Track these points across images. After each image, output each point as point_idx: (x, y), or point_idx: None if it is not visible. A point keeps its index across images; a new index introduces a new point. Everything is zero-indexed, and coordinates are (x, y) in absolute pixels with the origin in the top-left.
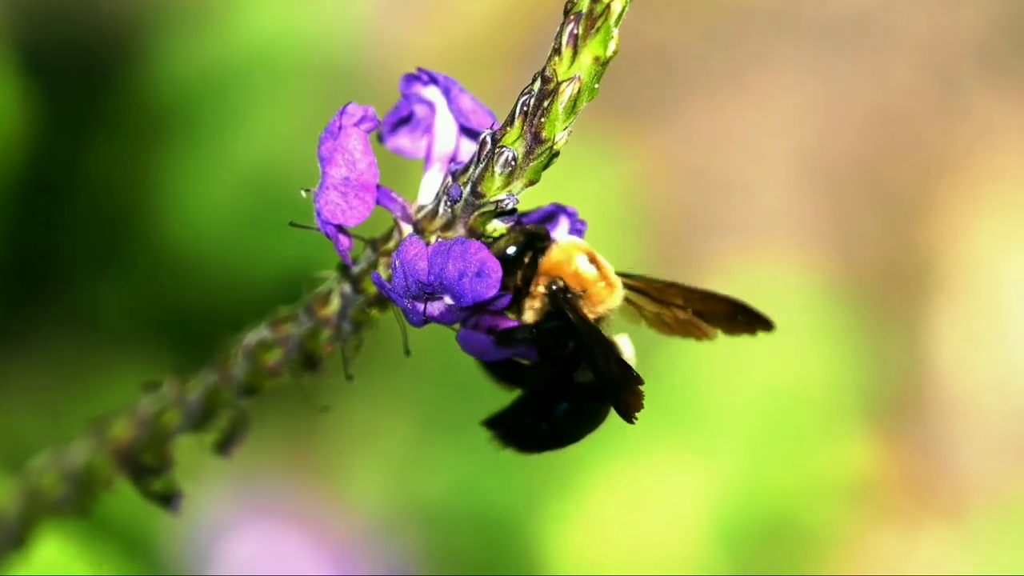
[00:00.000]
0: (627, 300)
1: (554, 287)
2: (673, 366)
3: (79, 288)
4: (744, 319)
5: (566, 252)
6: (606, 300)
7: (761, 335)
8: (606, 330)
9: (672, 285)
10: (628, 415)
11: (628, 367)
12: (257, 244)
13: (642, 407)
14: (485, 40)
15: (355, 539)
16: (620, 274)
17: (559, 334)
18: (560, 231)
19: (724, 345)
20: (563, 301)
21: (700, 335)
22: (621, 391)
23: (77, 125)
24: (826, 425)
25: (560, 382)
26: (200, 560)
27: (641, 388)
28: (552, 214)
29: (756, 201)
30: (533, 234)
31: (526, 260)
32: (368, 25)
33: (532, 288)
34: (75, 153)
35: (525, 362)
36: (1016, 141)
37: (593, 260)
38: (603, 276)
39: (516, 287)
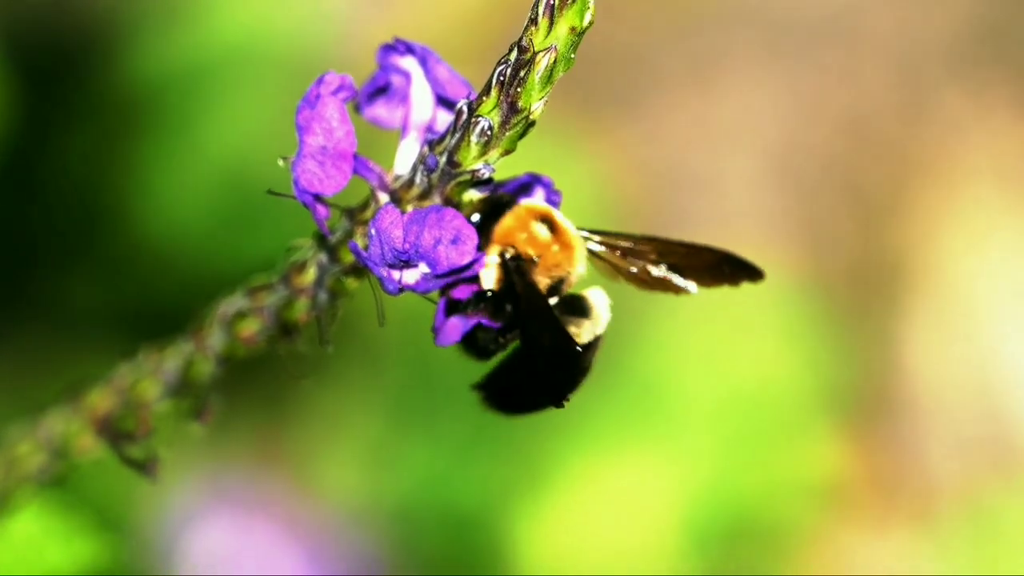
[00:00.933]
0: (600, 257)
1: (505, 255)
2: (643, 364)
3: (51, 281)
4: (730, 269)
5: (519, 217)
6: (562, 263)
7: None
8: (567, 291)
9: (652, 239)
10: (555, 395)
11: (563, 339)
12: (230, 237)
13: (572, 389)
14: (460, 34)
15: (325, 531)
16: (595, 231)
17: (513, 300)
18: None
19: (694, 343)
20: (513, 269)
21: (676, 290)
22: (546, 364)
23: (51, 118)
24: (795, 424)
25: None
26: (170, 548)
27: (570, 363)
28: (527, 184)
29: (725, 199)
30: (496, 201)
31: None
32: (341, 20)
33: (485, 257)
34: (49, 146)
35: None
36: (985, 140)
37: (551, 221)
38: (559, 239)
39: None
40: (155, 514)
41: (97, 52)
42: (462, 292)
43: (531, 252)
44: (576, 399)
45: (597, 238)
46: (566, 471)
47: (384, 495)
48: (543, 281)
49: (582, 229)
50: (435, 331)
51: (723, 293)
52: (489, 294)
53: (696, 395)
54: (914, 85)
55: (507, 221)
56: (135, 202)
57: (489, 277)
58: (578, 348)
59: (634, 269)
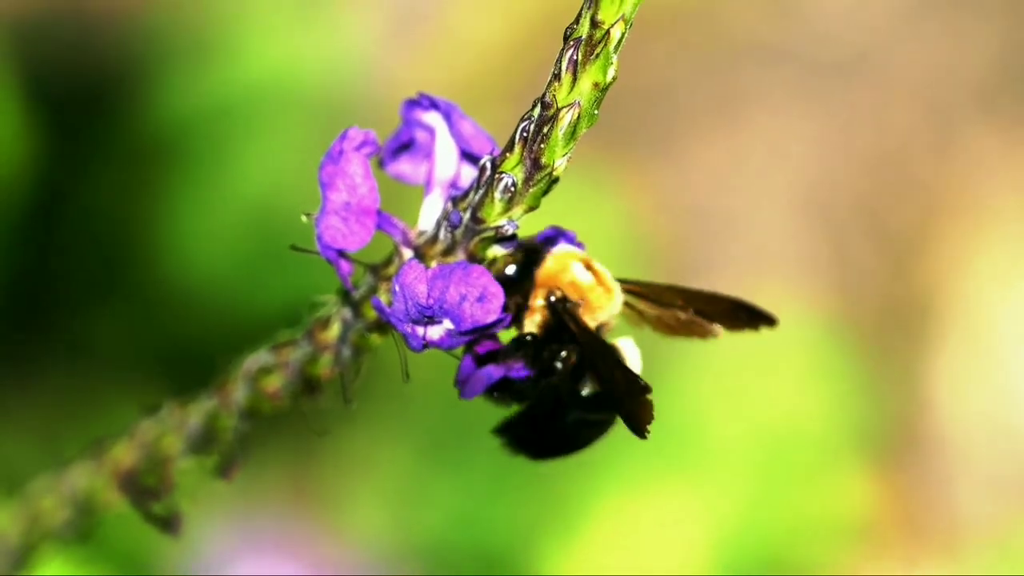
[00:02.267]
0: (627, 304)
1: (552, 298)
2: (672, 400)
3: (77, 319)
4: (746, 316)
5: (561, 261)
6: (605, 306)
7: (762, 373)
8: (607, 337)
9: (672, 287)
10: (638, 427)
11: (632, 374)
12: (256, 277)
13: (652, 418)
14: (487, 74)
15: (354, 571)
16: (619, 279)
17: (560, 345)
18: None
19: (723, 381)
20: (562, 311)
21: (704, 334)
22: (626, 399)
23: (78, 156)
24: (824, 461)
25: (565, 395)
26: None
27: (649, 397)
28: (551, 238)
29: (753, 238)
30: (530, 249)
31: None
32: (368, 60)
33: (530, 302)
34: (75, 184)
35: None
36: (1012, 179)
37: (589, 267)
38: (600, 282)
39: (518, 304)
40: (186, 558)
41: (123, 92)
42: (485, 347)
43: (575, 296)
44: (607, 438)
45: (623, 285)
46: (595, 509)
47: (413, 534)
48: (590, 324)
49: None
50: (459, 384)
51: (751, 332)
52: (529, 338)
53: (725, 433)
54: (942, 123)
55: (550, 265)
56: (160, 243)
57: (533, 321)
58: (649, 385)
59: (662, 315)
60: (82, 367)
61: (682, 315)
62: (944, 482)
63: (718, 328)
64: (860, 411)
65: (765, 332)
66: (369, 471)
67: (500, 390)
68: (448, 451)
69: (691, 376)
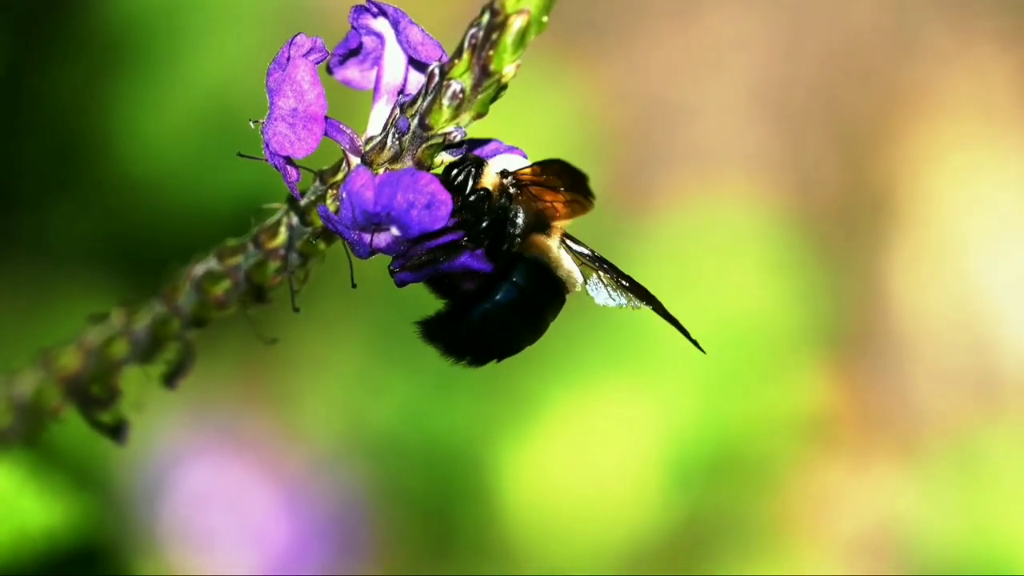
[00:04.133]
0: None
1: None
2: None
3: (30, 215)
4: (569, 180)
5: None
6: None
7: (718, 268)
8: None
9: (539, 166)
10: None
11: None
12: (210, 172)
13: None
14: None
15: (306, 467)
16: (516, 171)
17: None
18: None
19: (680, 276)
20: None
21: (584, 209)
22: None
23: (31, 50)
24: (779, 359)
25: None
26: (152, 489)
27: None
28: (492, 149)
29: (709, 132)
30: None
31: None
32: None
33: (482, 182)
34: (28, 79)
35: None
36: (969, 73)
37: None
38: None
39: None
40: (138, 454)
41: None
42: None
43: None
44: (560, 335)
45: (522, 175)
46: (549, 407)
47: (366, 432)
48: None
49: (507, 172)
50: (392, 272)
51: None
52: (482, 193)
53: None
54: (899, 18)
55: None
56: (117, 138)
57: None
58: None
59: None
60: (36, 264)
61: (567, 196)
62: (900, 377)
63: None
64: (817, 307)
65: (720, 227)
66: (319, 369)
67: (436, 280)
68: (398, 348)
69: (646, 270)
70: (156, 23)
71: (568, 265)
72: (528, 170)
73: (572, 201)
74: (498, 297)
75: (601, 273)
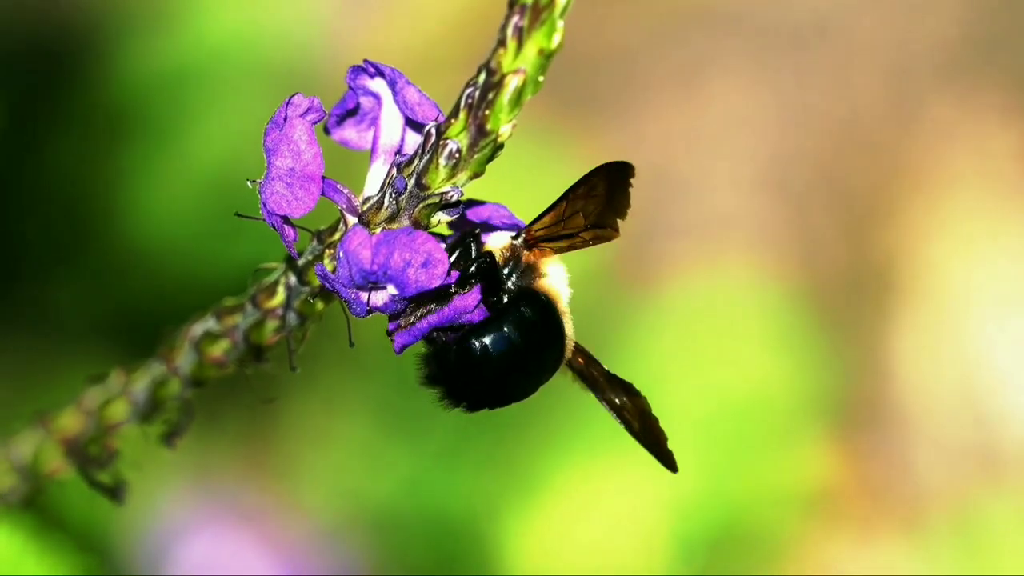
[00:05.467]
0: (545, 249)
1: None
2: (633, 369)
3: (35, 285)
4: (617, 178)
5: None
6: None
7: (723, 341)
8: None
9: (566, 198)
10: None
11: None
12: (213, 243)
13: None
14: (446, 40)
15: (308, 541)
16: (529, 225)
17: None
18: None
19: (682, 351)
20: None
21: (604, 240)
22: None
23: (36, 124)
24: (783, 431)
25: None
26: (154, 560)
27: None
28: (491, 216)
29: (713, 203)
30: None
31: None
32: (327, 26)
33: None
34: (35, 149)
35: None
36: (973, 146)
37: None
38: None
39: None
40: (141, 523)
41: (82, 57)
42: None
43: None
44: (562, 406)
45: (537, 231)
46: (553, 479)
47: (369, 503)
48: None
49: (519, 232)
50: (390, 334)
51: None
52: (486, 263)
53: (684, 402)
54: (902, 91)
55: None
56: (119, 209)
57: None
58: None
59: (569, 244)
60: (40, 335)
61: (586, 235)
62: (903, 451)
63: (613, 232)
64: (821, 379)
65: (724, 300)
66: (322, 442)
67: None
68: (401, 421)
69: (650, 343)
70: (159, 96)
71: (562, 302)
72: (545, 220)
73: (595, 238)
74: (504, 325)
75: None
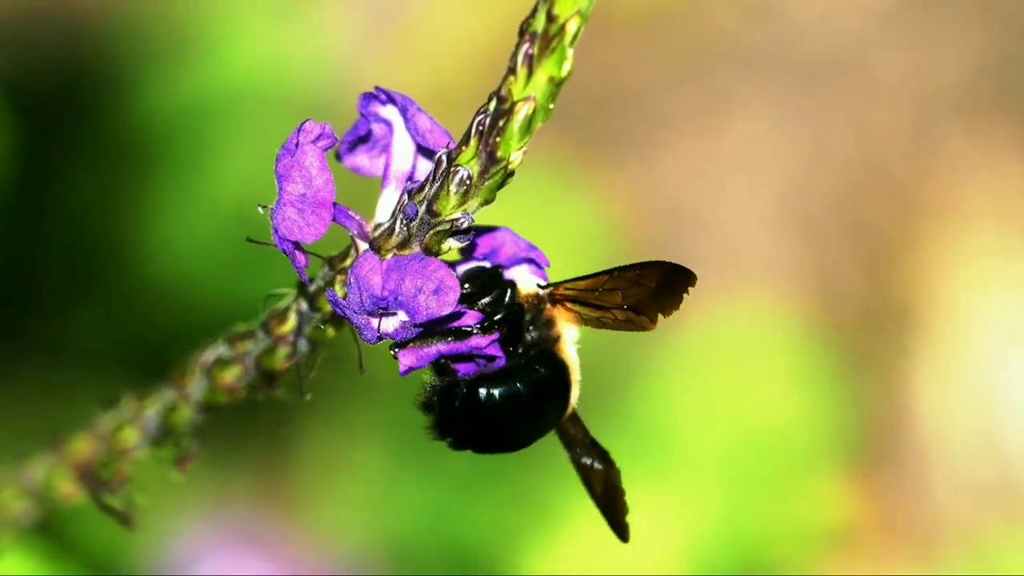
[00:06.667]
0: (569, 309)
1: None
2: (650, 404)
3: (56, 318)
4: (673, 279)
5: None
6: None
7: (740, 376)
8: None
9: (610, 273)
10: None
11: (502, 311)
12: (232, 274)
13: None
14: (465, 73)
15: (324, 569)
16: (562, 282)
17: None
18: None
19: (701, 386)
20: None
21: (637, 329)
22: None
23: (57, 154)
24: (803, 467)
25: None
26: None
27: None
28: (502, 241)
29: (732, 240)
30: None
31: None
32: (348, 60)
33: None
34: (55, 182)
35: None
36: (991, 183)
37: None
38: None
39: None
40: (155, 552)
41: (103, 90)
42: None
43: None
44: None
45: (567, 288)
46: (571, 509)
47: (385, 532)
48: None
49: (549, 284)
50: (394, 353)
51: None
52: (515, 309)
53: (703, 438)
54: (920, 127)
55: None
56: (140, 241)
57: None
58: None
59: (600, 316)
60: (59, 364)
61: (619, 314)
62: (921, 487)
63: (649, 322)
64: (838, 415)
65: (743, 335)
66: (341, 470)
67: (442, 367)
68: (418, 451)
69: (669, 380)
70: (178, 130)
71: (576, 371)
72: (580, 283)
73: (627, 321)
74: (518, 381)
75: (593, 313)
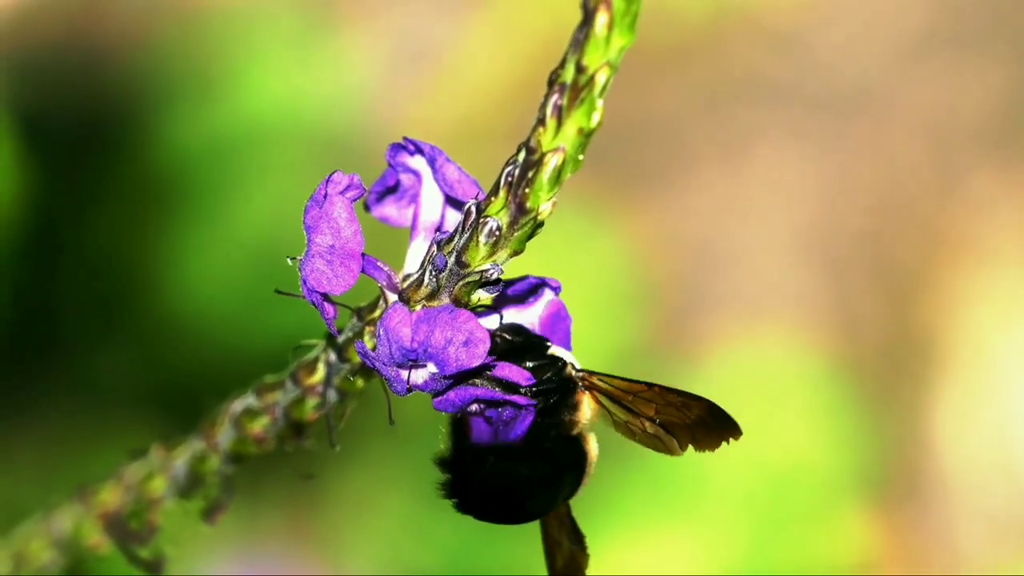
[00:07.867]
0: (600, 404)
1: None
2: None
3: (78, 358)
4: (715, 423)
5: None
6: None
7: (763, 412)
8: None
9: (650, 387)
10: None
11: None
12: (256, 314)
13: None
14: (489, 111)
15: None
16: (601, 374)
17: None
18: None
19: None
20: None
21: (663, 449)
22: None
23: (78, 193)
24: (825, 501)
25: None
26: None
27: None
28: (535, 286)
29: (756, 276)
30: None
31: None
32: (372, 97)
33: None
34: (76, 219)
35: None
36: (1013, 219)
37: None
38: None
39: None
40: None
41: (125, 127)
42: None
43: None
44: (605, 479)
45: (604, 384)
46: (594, 549)
47: (412, 570)
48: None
49: (592, 372)
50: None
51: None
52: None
53: (725, 473)
54: (944, 162)
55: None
56: (162, 280)
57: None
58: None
59: (630, 422)
60: (82, 406)
61: (649, 427)
62: (944, 522)
63: (677, 448)
64: (861, 450)
65: (767, 371)
66: (366, 512)
67: (488, 406)
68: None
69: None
70: (202, 166)
71: (594, 451)
72: (616, 382)
73: (654, 436)
74: (550, 465)
75: (623, 416)
